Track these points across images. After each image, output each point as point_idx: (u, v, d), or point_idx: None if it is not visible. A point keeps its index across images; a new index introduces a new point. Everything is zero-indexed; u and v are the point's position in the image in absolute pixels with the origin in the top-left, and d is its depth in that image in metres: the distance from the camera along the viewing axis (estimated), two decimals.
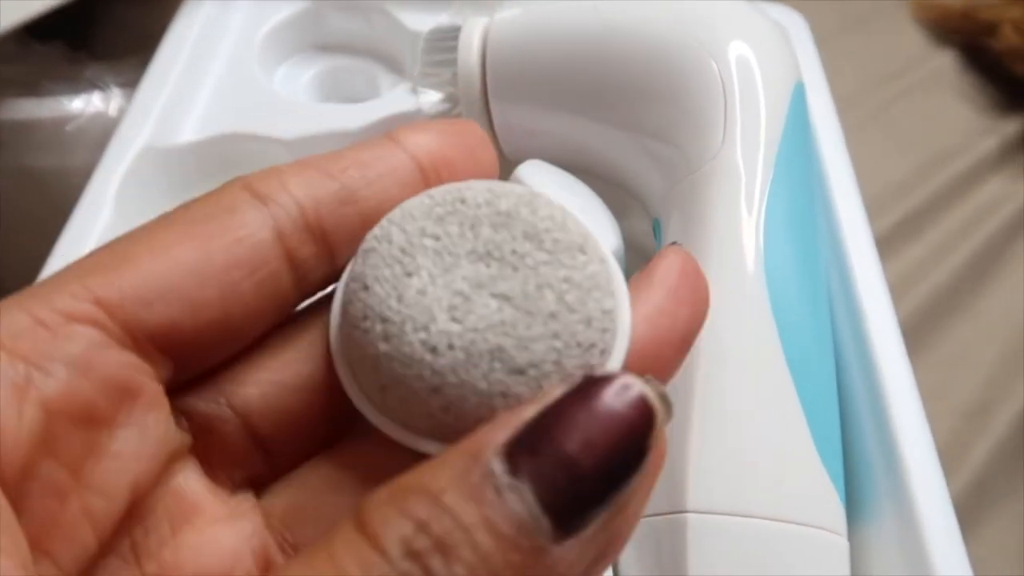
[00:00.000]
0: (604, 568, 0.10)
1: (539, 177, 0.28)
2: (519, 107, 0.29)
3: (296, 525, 0.12)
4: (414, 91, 0.31)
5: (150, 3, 0.36)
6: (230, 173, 0.13)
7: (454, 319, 0.11)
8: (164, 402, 0.12)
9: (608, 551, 0.10)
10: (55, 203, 0.25)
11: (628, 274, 0.23)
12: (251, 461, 0.13)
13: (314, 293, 0.13)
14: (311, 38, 0.34)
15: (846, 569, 0.22)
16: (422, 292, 0.12)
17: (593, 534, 0.09)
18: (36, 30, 0.30)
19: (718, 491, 0.21)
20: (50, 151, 0.29)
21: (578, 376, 0.10)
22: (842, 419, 0.24)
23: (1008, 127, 0.46)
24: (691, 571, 0.20)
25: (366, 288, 0.12)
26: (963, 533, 0.32)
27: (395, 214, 0.12)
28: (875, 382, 0.24)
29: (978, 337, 0.37)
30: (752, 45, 0.26)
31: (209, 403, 0.13)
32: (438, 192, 0.13)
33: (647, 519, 0.21)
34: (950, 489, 0.33)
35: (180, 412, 0.12)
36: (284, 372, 0.13)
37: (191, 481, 0.12)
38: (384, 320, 0.12)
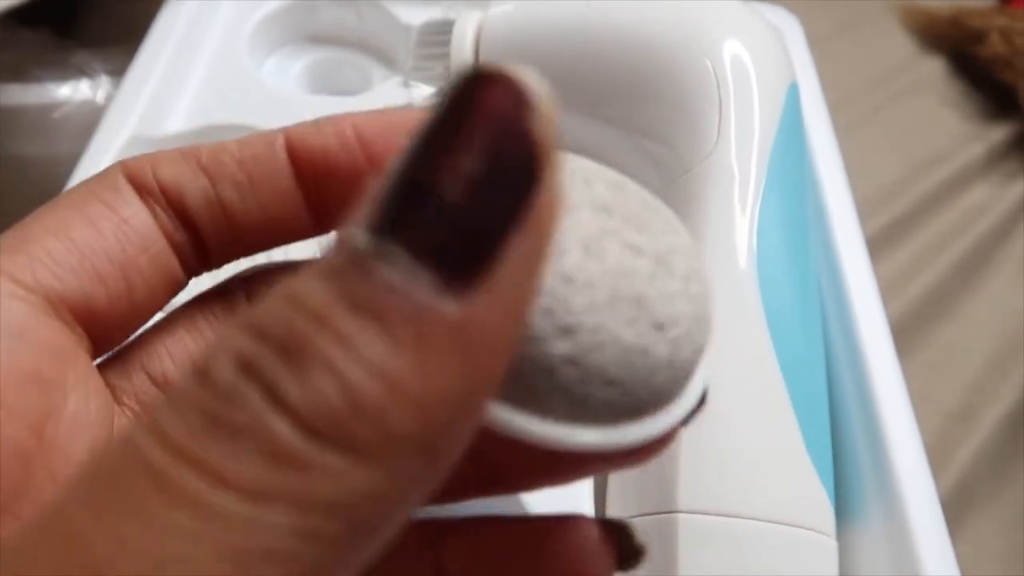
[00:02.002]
0: (518, 327, 0.08)
1: None
2: None
3: None
4: (406, 85, 0.31)
5: None
6: None
7: (590, 255, 0.09)
8: (95, 370, 0.12)
9: (520, 304, 0.08)
10: (40, 190, 0.24)
11: None
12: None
13: (194, 275, 0.14)
14: (301, 29, 0.34)
15: (834, 570, 0.22)
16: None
17: (498, 285, 0.07)
18: (23, 16, 0.29)
19: (708, 492, 0.21)
20: (36, 138, 0.28)
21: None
22: (832, 420, 0.24)
23: (995, 134, 0.47)
24: (681, 571, 0.20)
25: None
26: (949, 533, 0.32)
27: None
28: (865, 383, 0.24)
29: (964, 339, 0.38)
30: (747, 45, 0.26)
31: (130, 378, 0.13)
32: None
33: (637, 519, 0.21)
34: (936, 489, 0.33)
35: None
36: (198, 347, 0.13)
37: None
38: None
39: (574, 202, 0.10)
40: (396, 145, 0.10)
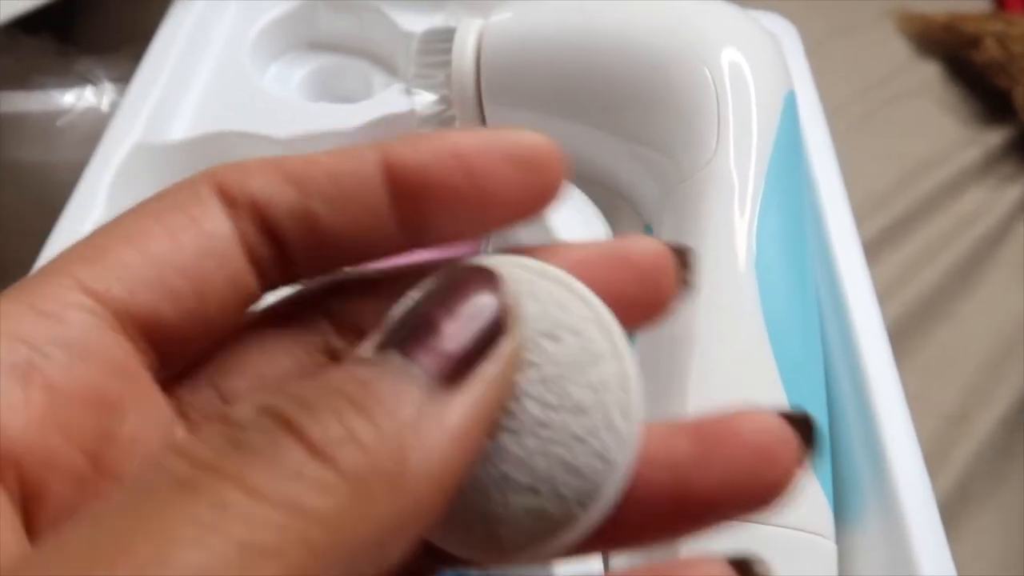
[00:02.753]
0: (486, 431, 0.11)
1: None
2: (513, 110, 0.29)
3: None
4: (408, 92, 0.31)
5: None
6: None
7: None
8: (158, 389, 0.12)
9: (488, 410, 0.10)
10: (43, 197, 0.25)
11: None
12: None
13: (272, 290, 0.13)
14: (304, 36, 0.34)
15: (833, 572, 0.22)
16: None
17: (472, 391, 0.10)
18: (24, 23, 0.29)
19: None
20: (40, 145, 0.29)
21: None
22: (830, 423, 0.24)
23: (990, 138, 0.47)
24: None
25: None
26: (946, 534, 0.32)
27: None
28: (862, 386, 0.25)
29: (960, 342, 0.38)
30: (745, 54, 0.27)
31: (199, 394, 0.12)
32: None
33: None
34: (933, 490, 0.33)
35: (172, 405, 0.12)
36: (269, 364, 0.13)
37: None
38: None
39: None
40: (492, 164, 0.12)
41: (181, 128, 0.29)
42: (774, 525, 0.21)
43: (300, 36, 0.34)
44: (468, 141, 0.12)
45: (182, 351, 0.12)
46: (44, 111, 0.29)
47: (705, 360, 0.22)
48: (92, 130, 0.27)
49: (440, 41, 0.30)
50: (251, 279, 0.12)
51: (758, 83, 0.26)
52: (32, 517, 0.10)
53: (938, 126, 0.48)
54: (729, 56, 0.26)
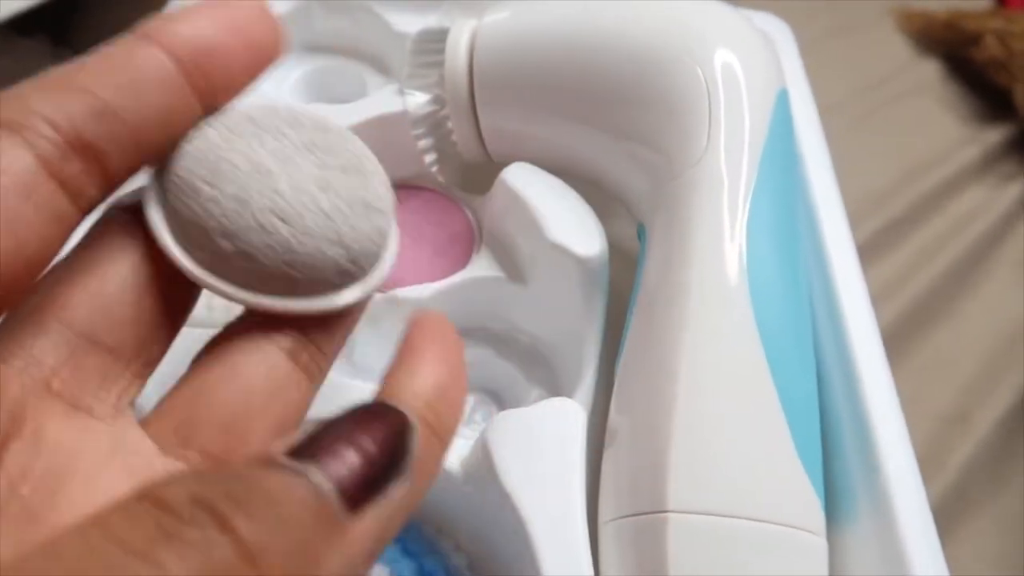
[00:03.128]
0: (383, 545, 0.12)
1: (525, 179, 0.29)
2: (506, 110, 0.29)
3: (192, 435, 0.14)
4: (401, 92, 0.31)
5: (137, 3, 0.36)
6: None
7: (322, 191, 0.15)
8: None
9: (388, 531, 0.12)
10: None
11: (611, 274, 0.24)
12: (110, 383, 0.13)
13: (94, 207, 0.13)
14: (299, 38, 0.34)
15: (824, 569, 0.22)
16: (294, 188, 0.14)
17: (377, 512, 0.11)
18: (19, 25, 0.29)
19: (699, 491, 0.21)
20: None
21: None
22: (823, 423, 0.24)
23: (990, 136, 0.47)
24: (671, 570, 0.20)
25: (245, 202, 0.14)
26: (942, 535, 0.32)
27: (196, 147, 0.14)
28: (855, 387, 0.24)
29: (958, 343, 0.38)
30: (737, 52, 0.27)
31: (49, 335, 0.13)
32: (223, 119, 0.14)
33: (625, 519, 0.22)
34: (930, 492, 0.33)
35: None
36: (106, 283, 0.13)
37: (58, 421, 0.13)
38: (282, 218, 0.14)
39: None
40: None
41: None
42: (766, 521, 0.21)
43: (295, 38, 0.34)
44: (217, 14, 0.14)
45: (10, 291, 0.12)
46: None
47: (695, 360, 0.22)
48: None
49: (433, 42, 0.30)
50: (63, 202, 0.12)
51: (749, 81, 0.26)
52: None
53: (938, 124, 0.48)
54: (721, 55, 0.26)
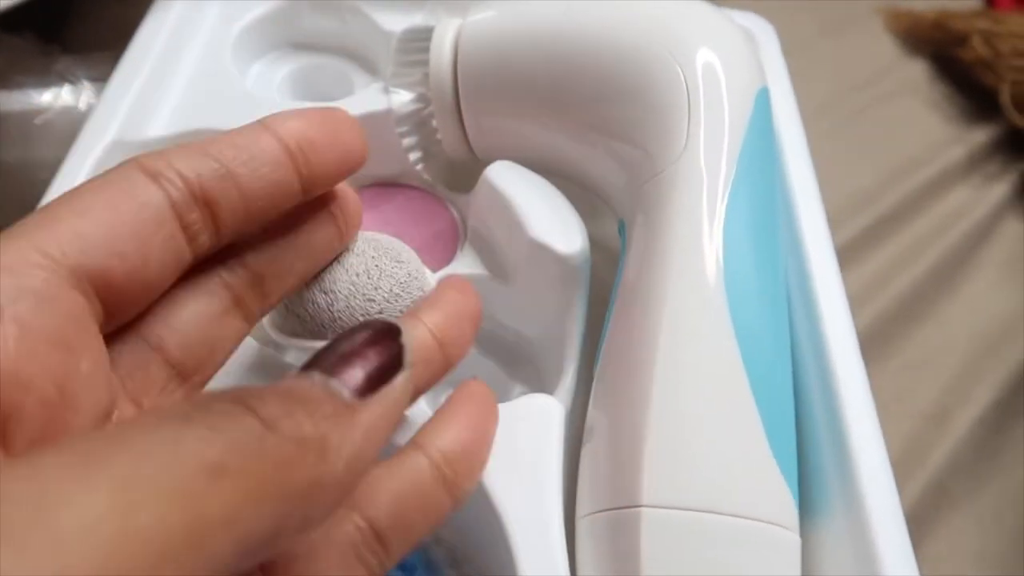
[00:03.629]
0: (387, 435, 0.14)
1: (508, 177, 0.29)
2: (490, 108, 0.30)
3: None
4: (386, 91, 0.31)
5: None
6: None
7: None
8: (101, 339, 0.14)
9: (387, 419, 0.14)
10: (21, 196, 0.25)
11: (595, 273, 0.25)
12: (170, 391, 0.16)
13: (203, 254, 0.16)
14: (286, 36, 0.35)
15: (797, 564, 0.22)
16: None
17: (376, 403, 0.14)
18: (7, 21, 0.30)
19: (672, 486, 0.21)
20: (17, 144, 0.29)
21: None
22: (798, 421, 0.24)
23: (976, 136, 0.47)
24: (644, 565, 0.20)
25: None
26: (922, 532, 0.32)
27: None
28: (831, 385, 0.25)
29: (941, 342, 0.38)
30: (717, 50, 0.27)
31: (134, 346, 0.15)
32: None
33: (599, 513, 0.22)
34: (910, 489, 0.33)
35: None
36: (183, 312, 0.16)
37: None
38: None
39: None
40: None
41: (159, 126, 0.29)
42: (740, 517, 0.21)
43: (283, 36, 0.35)
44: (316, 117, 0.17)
45: (126, 307, 0.15)
46: (22, 110, 0.29)
47: (670, 357, 0.22)
48: (70, 129, 0.27)
49: (419, 40, 0.30)
50: (183, 242, 0.15)
51: (729, 79, 0.26)
52: (8, 437, 0.12)
53: (924, 124, 0.48)
54: (701, 53, 0.27)
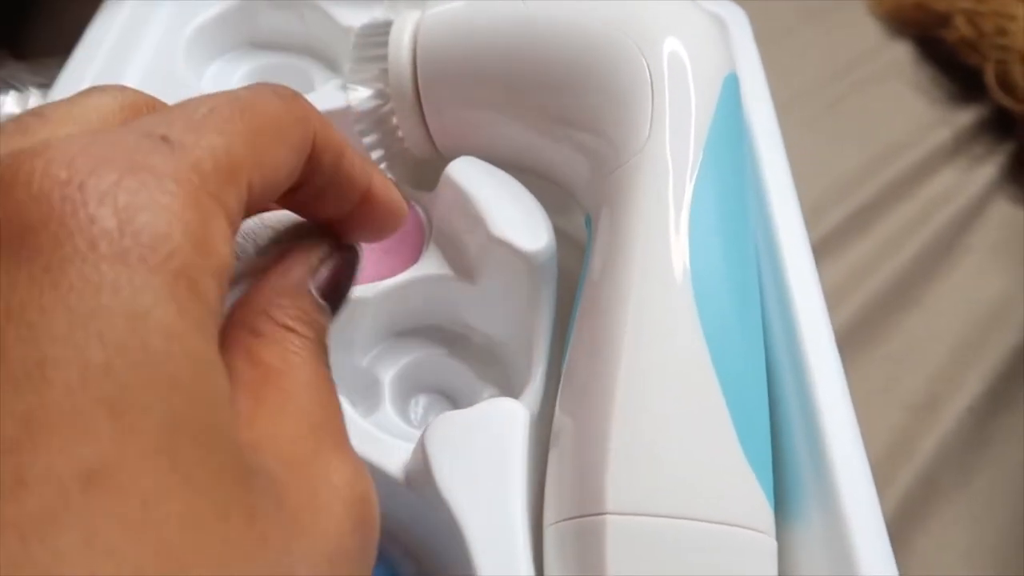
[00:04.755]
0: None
1: (469, 173, 0.28)
2: (451, 103, 0.29)
3: None
4: (344, 88, 0.30)
5: (83, 1, 0.35)
6: None
7: None
8: None
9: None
10: None
11: (566, 269, 0.24)
12: None
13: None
14: (243, 35, 0.34)
15: (773, 569, 0.21)
16: None
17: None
18: None
19: (638, 491, 0.20)
20: None
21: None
22: (772, 419, 0.23)
23: (961, 118, 0.46)
24: (610, 572, 0.20)
25: None
26: (912, 528, 0.31)
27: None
28: (805, 382, 0.24)
29: (928, 331, 0.37)
30: (682, 38, 0.26)
31: None
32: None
33: (565, 522, 0.21)
34: (898, 482, 0.32)
35: None
36: None
37: None
38: None
39: None
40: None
41: None
42: (712, 522, 0.20)
43: (240, 34, 0.34)
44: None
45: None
46: None
47: (634, 356, 0.22)
48: None
49: (377, 35, 0.29)
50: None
51: (695, 65, 0.25)
52: None
53: (908, 108, 0.47)
54: (664, 41, 0.26)
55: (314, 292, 0.16)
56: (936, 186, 0.43)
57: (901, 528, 0.31)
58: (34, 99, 0.30)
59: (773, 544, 0.21)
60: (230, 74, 0.33)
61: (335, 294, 0.16)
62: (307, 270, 0.16)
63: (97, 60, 0.29)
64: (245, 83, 0.34)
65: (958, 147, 0.45)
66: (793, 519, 0.23)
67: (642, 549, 0.20)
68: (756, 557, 0.21)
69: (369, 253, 0.30)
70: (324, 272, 0.16)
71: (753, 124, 0.30)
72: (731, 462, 0.21)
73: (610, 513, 0.20)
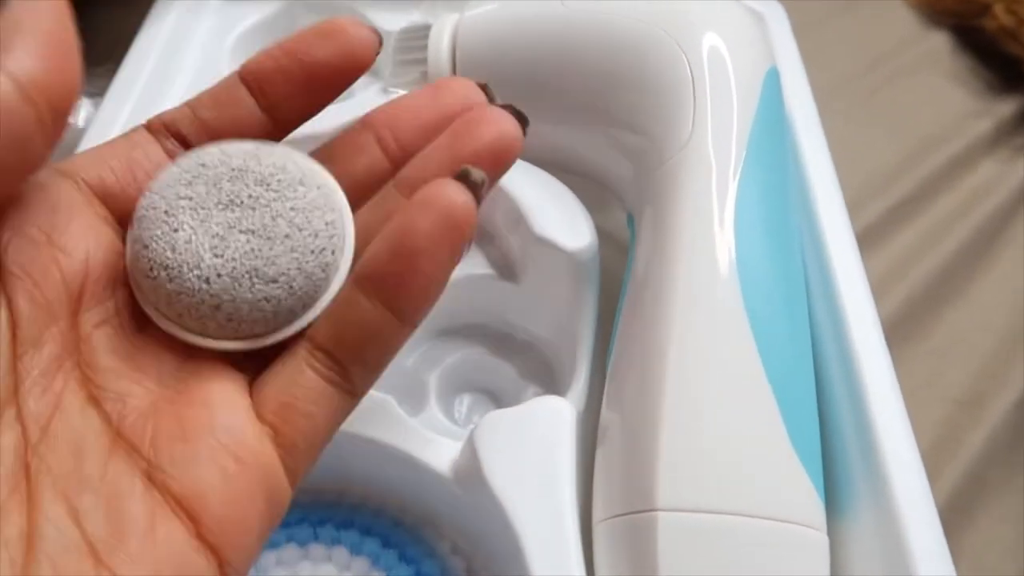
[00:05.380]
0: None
1: (511, 173, 0.28)
2: None
3: None
4: (385, 91, 0.31)
5: (124, 8, 0.36)
6: None
7: (216, 255, 0.16)
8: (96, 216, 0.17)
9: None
10: None
11: (608, 267, 0.26)
12: None
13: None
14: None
15: (825, 565, 0.21)
16: (188, 241, 0.16)
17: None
18: None
19: (689, 488, 0.20)
20: None
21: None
22: (821, 414, 0.23)
23: (1002, 108, 0.45)
24: (662, 572, 0.20)
25: (146, 247, 0.16)
26: (960, 525, 0.31)
27: (154, 184, 0.17)
28: (854, 375, 0.24)
29: (973, 324, 0.37)
30: (722, 34, 0.26)
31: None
32: (184, 161, 0.17)
33: (615, 519, 0.21)
34: (944, 479, 0.32)
35: None
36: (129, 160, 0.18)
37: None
38: (166, 267, 0.16)
39: (208, 207, 0.16)
40: (312, 47, 0.18)
41: None
42: (761, 518, 0.20)
43: (280, 40, 0.34)
44: (293, 38, 0.18)
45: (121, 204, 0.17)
46: None
47: (683, 353, 0.22)
48: (69, 147, 0.27)
49: (416, 38, 0.30)
50: (165, 159, 0.18)
51: (736, 61, 0.25)
52: None
53: (947, 99, 0.46)
54: (705, 38, 0.26)
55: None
56: (977, 178, 0.42)
57: (948, 524, 0.30)
58: (86, 108, 0.31)
59: (825, 540, 0.21)
60: None
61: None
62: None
63: (146, 69, 0.29)
64: None
65: (998, 138, 0.44)
66: (844, 514, 0.23)
67: (693, 545, 0.20)
68: (808, 553, 0.21)
69: None
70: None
71: (794, 118, 0.30)
72: (781, 457, 0.21)
73: (661, 510, 0.20)
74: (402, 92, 0.30)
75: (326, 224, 0.17)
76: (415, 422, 0.24)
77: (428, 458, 0.23)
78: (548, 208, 0.27)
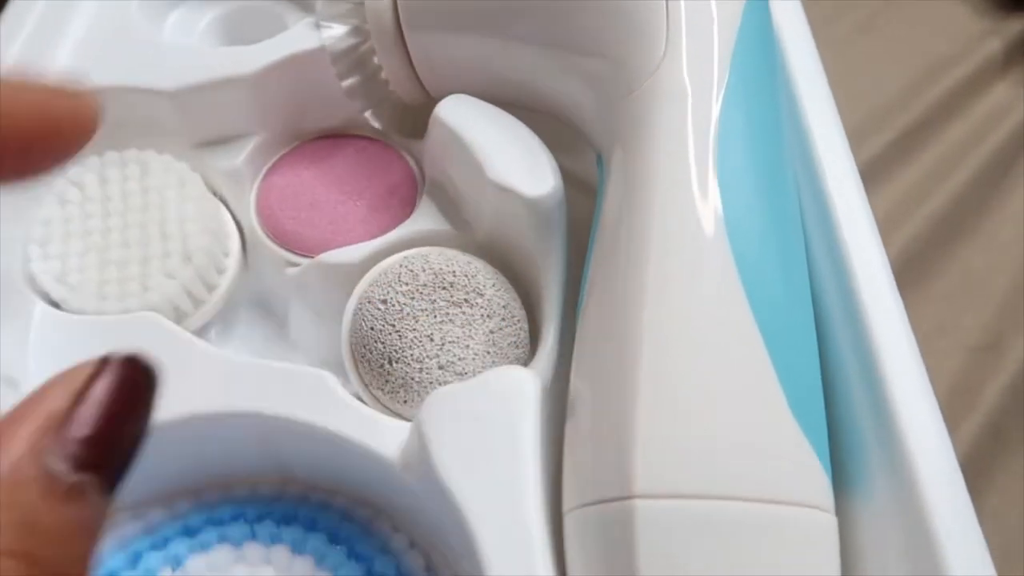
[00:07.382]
0: None
1: (462, 113, 0.25)
2: (437, 35, 0.25)
3: None
4: (316, 26, 0.27)
5: None
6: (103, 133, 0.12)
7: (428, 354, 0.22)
8: None
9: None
10: None
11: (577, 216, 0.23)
12: None
13: None
14: None
15: (834, 550, 0.18)
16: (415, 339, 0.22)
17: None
18: None
19: (671, 469, 0.17)
20: None
21: None
22: (825, 375, 0.20)
23: (1013, 26, 0.42)
24: (642, 569, 0.17)
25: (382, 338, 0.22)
26: (978, 485, 0.28)
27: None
28: (861, 327, 0.20)
29: (988, 263, 0.34)
30: None
31: None
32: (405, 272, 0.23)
33: (586, 508, 0.18)
34: (962, 432, 0.29)
35: None
36: None
37: None
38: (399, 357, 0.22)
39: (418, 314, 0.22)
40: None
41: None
42: (757, 501, 0.17)
43: None
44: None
45: None
46: None
47: (661, 314, 0.18)
48: None
49: None
50: None
51: None
52: None
53: (953, 19, 0.43)
54: None
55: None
56: (988, 103, 0.39)
57: (967, 486, 0.28)
58: None
59: (833, 521, 0.18)
60: (194, 23, 0.30)
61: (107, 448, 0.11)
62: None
63: (31, 16, 0.26)
64: (214, 28, 0.31)
65: (1010, 58, 0.41)
66: (854, 489, 0.20)
67: (677, 538, 0.17)
68: (813, 539, 0.18)
69: (350, 212, 0.27)
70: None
71: (786, 41, 0.26)
72: (779, 428, 0.18)
73: (639, 496, 0.17)
74: (335, 26, 0.27)
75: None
76: (357, 400, 0.21)
77: (374, 443, 0.20)
78: (506, 150, 0.24)
